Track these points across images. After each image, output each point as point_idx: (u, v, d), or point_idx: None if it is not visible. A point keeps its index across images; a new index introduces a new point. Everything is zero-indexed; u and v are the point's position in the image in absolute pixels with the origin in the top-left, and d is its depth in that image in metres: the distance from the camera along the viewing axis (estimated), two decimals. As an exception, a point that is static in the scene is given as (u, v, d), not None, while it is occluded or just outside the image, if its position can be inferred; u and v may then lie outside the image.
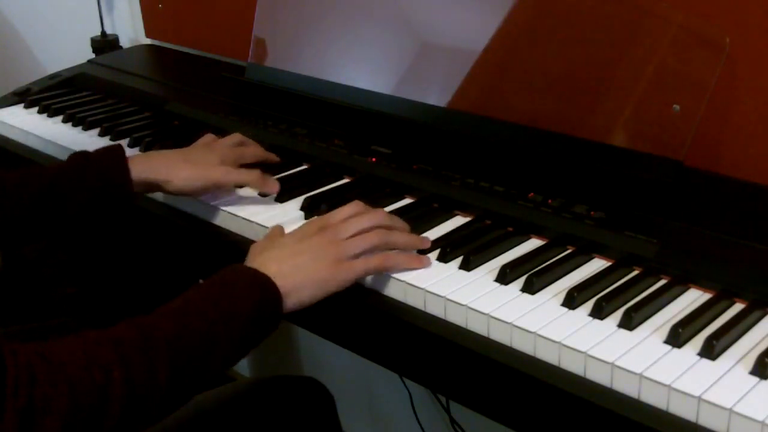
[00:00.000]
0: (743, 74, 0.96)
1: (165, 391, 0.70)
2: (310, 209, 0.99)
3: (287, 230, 0.91)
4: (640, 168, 0.92)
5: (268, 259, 0.82)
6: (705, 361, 0.69)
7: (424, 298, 0.82)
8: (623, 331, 0.74)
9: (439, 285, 0.82)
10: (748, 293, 0.77)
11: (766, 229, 0.84)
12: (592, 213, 0.89)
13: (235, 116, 1.27)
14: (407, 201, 1.02)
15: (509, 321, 0.75)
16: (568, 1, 1.00)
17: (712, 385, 0.66)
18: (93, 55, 1.80)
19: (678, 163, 0.90)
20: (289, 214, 0.99)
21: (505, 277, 0.82)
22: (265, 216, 0.99)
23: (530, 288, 0.80)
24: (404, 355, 0.85)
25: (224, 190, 1.03)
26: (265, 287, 0.79)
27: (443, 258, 0.87)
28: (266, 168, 1.10)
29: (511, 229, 0.92)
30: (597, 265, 0.85)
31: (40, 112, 1.44)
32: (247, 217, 0.99)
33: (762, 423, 0.62)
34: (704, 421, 0.65)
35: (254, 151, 1.10)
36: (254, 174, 1.01)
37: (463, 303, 0.78)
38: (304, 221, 0.97)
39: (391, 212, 0.94)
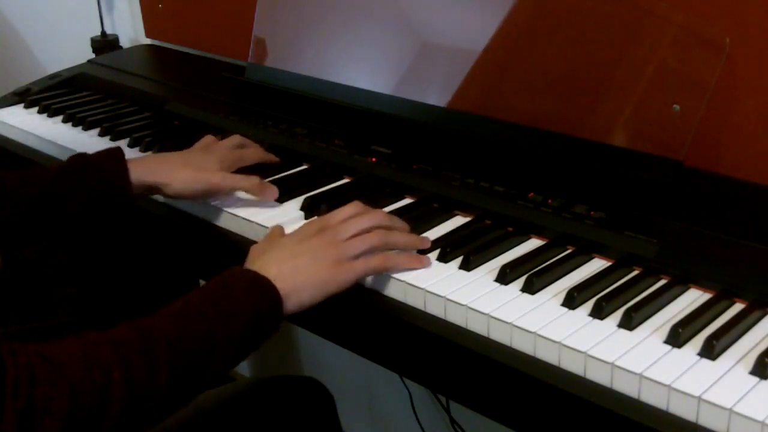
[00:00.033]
0: (743, 74, 0.96)
1: (165, 392, 0.70)
2: (310, 209, 0.99)
3: (287, 230, 0.91)
4: (640, 168, 0.92)
5: (268, 261, 0.82)
6: (705, 361, 0.69)
7: (424, 298, 0.82)
8: (623, 331, 0.74)
9: (439, 285, 0.82)
10: (748, 293, 0.77)
11: (766, 229, 0.84)
12: (592, 213, 0.89)
13: (235, 116, 1.27)
14: (407, 201, 1.02)
15: (509, 321, 0.75)
16: (568, 1, 1.00)
17: (712, 385, 0.66)
18: (93, 55, 1.80)
19: (678, 163, 0.90)
20: (289, 214, 0.99)
21: (505, 277, 0.82)
22: (265, 216, 0.99)
23: (530, 288, 0.80)
24: (404, 355, 0.85)
25: (222, 195, 1.02)
26: (265, 290, 0.79)
27: (443, 258, 0.87)
28: (266, 168, 1.10)
29: (511, 229, 0.92)
30: (597, 265, 0.85)
31: (40, 112, 1.44)
32: (247, 217, 0.99)
33: (762, 423, 0.62)
34: (704, 421, 0.65)
35: (254, 153, 1.10)
36: (252, 180, 1.00)
37: (463, 303, 0.78)
38: (304, 221, 0.97)
39: (391, 212, 0.94)
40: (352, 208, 0.89)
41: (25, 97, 1.49)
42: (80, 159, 1.00)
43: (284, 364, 1.98)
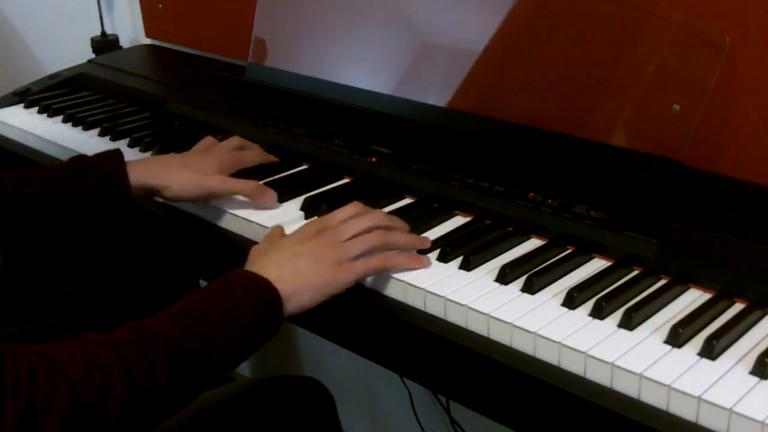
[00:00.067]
0: (743, 74, 0.96)
1: (165, 393, 0.70)
2: (310, 209, 0.99)
3: (287, 230, 0.91)
4: (640, 168, 0.92)
5: (269, 263, 0.82)
6: (705, 361, 0.69)
7: (424, 298, 0.82)
8: (623, 331, 0.74)
9: (439, 285, 0.82)
10: (748, 293, 0.77)
11: (766, 229, 0.84)
12: (592, 213, 0.89)
13: (235, 116, 1.27)
14: (407, 201, 1.02)
15: (509, 321, 0.75)
16: (568, 1, 1.00)
17: (712, 385, 0.66)
18: (93, 55, 1.80)
19: (678, 163, 0.90)
20: (289, 214, 0.99)
21: (505, 277, 0.82)
22: (265, 216, 0.99)
23: (530, 288, 0.80)
24: (404, 355, 0.85)
25: (221, 198, 1.02)
26: (265, 291, 0.79)
27: (443, 258, 0.87)
28: (266, 168, 1.10)
29: (511, 229, 0.92)
30: (597, 265, 0.85)
31: (40, 112, 1.44)
32: (247, 217, 0.99)
33: (762, 423, 0.62)
34: (704, 421, 0.65)
35: (253, 155, 1.10)
36: (251, 185, 1.00)
37: (463, 303, 0.78)
38: (304, 221, 0.97)
39: (391, 212, 0.94)
40: (352, 208, 0.89)
41: (25, 97, 1.49)
42: (79, 161, 1.00)
43: (284, 364, 1.98)
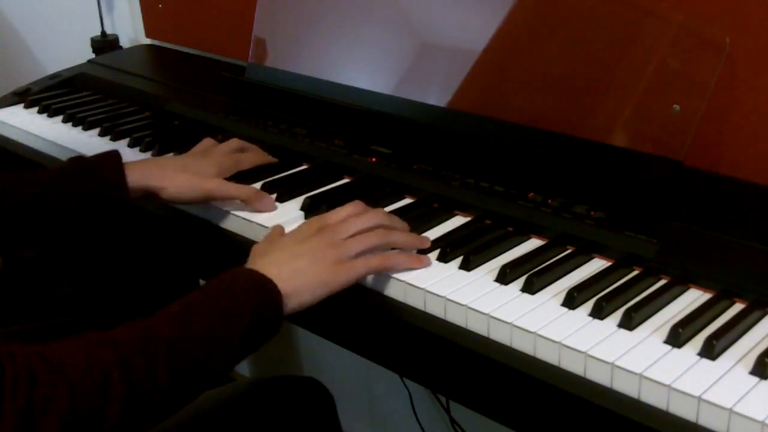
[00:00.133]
0: (743, 74, 0.96)
1: (164, 393, 0.70)
2: (310, 209, 0.99)
3: (287, 230, 0.91)
4: (640, 168, 0.92)
5: (269, 262, 0.82)
6: (705, 361, 0.69)
7: (424, 298, 0.81)
8: (623, 331, 0.74)
9: (439, 285, 0.82)
10: (748, 293, 0.77)
11: (766, 229, 0.84)
12: (592, 213, 0.89)
13: (235, 116, 1.27)
14: (407, 201, 1.02)
15: (509, 321, 0.75)
16: (568, 1, 1.00)
17: (712, 385, 0.66)
18: (93, 55, 1.80)
19: (678, 163, 0.90)
20: (289, 214, 0.99)
21: (505, 277, 0.82)
22: (265, 216, 0.99)
23: (530, 288, 0.80)
24: (404, 355, 0.85)
25: (219, 200, 1.02)
26: (265, 290, 0.79)
27: (443, 258, 0.87)
28: (266, 168, 1.10)
29: (511, 229, 0.92)
30: (597, 265, 0.85)
31: (40, 112, 1.44)
32: (247, 217, 0.99)
33: (762, 423, 0.62)
34: (704, 421, 0.64)
35: (252, 157, 1.10)
36: (249, 190, 1.00)
37: (463, 303, 0.78)
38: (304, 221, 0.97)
39: (391, 212, 0.94)
40: (352, 207, 0.90)
41: (25, 97, 1.49)
42: (78, 162, 1.00)
43: (284, 364, 1.98)
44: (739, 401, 0.64)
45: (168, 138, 1.25)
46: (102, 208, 0.98)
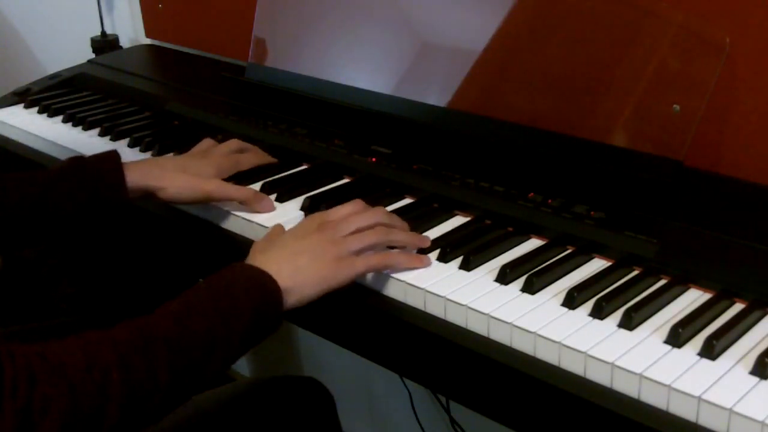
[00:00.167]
0: (743, 74, 0.96)
1: (164, 393, 0.70)
2: (310, 209, 0.99)
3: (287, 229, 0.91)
4: (640, 168, 0.92)
5: (269, 259, 0.82)
6: (705, 361, 0.69)
7: (424, 298, 0.81)
8: (623, 331, 0.74)
9: (439, 285, 0.82)
10: (748, 293, 0.77)
11: (766, 229, 0.84)
12: (592, 213, 0.89)
13: (235, 116, 1.27)
14: (407, 201, 1.02)
15: (509, 321, 0.75)
16: (568, 1, 1.00)
17: (712, 385, 0.66)
18: (93, 55, 1.80)
19: (678, 163, 0.90)
20: (289, 214, 0.99)
21: (505, 277, 0.82)
22: (265, 216, 0.99)
23: (530, 288, 0.80)
24: (404, 355, 0.85)
25: (217, 201, 1.02)
26: (265, 288, 0.79)
27: (443, 258, 0.87)
28: (266, 168, 1.10)
29: (511, 229, 0.92)
30: (597, 265, 0.85)
31: (40, 112, 1.44)
32: (247, 218, 0.99)
33: (762, 423, 0.62)
34: (704, 421, 0.64)
35: (251, 158, 1.10)
36: (248, 191, 1.00)
37: (463, 303, 0.78)
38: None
39: (391, 212, 0.94)
40: (353, 205, 0.90)
41: (25, 97, 1.49)
42: (77, 161, 1.00)
43: (284, 364, 1.98)
44: (739, 401, 0.64)
45: (168, 138, 1.25)
46: (101, 208, 0.98)
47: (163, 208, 1.07)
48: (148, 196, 1.01)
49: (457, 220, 0.96)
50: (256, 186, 1.05)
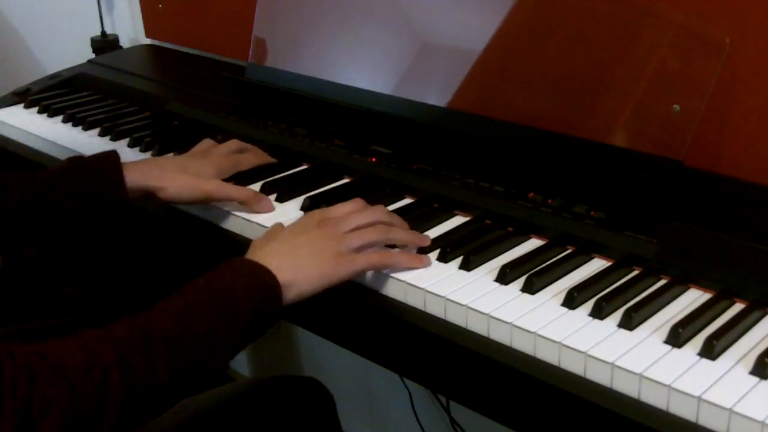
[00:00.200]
0: (743, 74, 0.96)
1: (164, 392, 0.70)
2: (310, 210, 0.99)
3: (287, 228, 0.91)
4: (640, 168, 0.92)
5: (269, 253, 0.82)
6: (705, 361, 0.69)
7: (424, 298, 0.81)
8: (623, 331, 0.74)
9: (439, 285, 0.82)
10: (748, 293, 0.77)
11: (766, 229, 0.84)
12: (592, 213, 0.89)
13: (235, 116, 1.27)
14: (407, 201, 1.02)
15: (509, 321, 0.75)
16: (568, 1, 1.00)
17: (712, 385, 0.66)
18: (93, 55, 1.80)
19: (678, 163, 0.90)
20: (289, 214, 0.99)
21: (505, 277, 0.82)
22: (265, 216, 0.99)
23: (530, 288, 0.80)
24: (404, 355, 0.85)
25: (217, 202, 1.02)
26: (265, 287, 0.79)
27: (443, 258, 0.87)
28: (265, 169, 1.10)
29: (511, 229, 0.92)
30: (597, 265, 0.85)
31: (40, 112, 1.44)
32: (247, 218, 0.99)
33: (762, 423, 0.62)
34: (704, 421, 0.64)
35: (251, 158, 1.10)
36: (247, 192, 1.00)
37: (463, 303, 0.78)
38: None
39: (391, 212, 0.94)
40: (353, 203, 0.90)
41: (25, 97, 1.49)
42: (76, 162, 1.00)
43: (284, 364, 1.98)
44: (739, 401, 0.64)
45: (168, 138, 1.25)
46: (100, 208, 0.98)
47: (163, 208, 1.07)
48: (148, 196, 1.01)
49: (457, 220, 0.96)
50: (256, 186, 1.05)
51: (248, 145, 1.13)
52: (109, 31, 1.89)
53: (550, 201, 0.92)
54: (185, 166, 1.02)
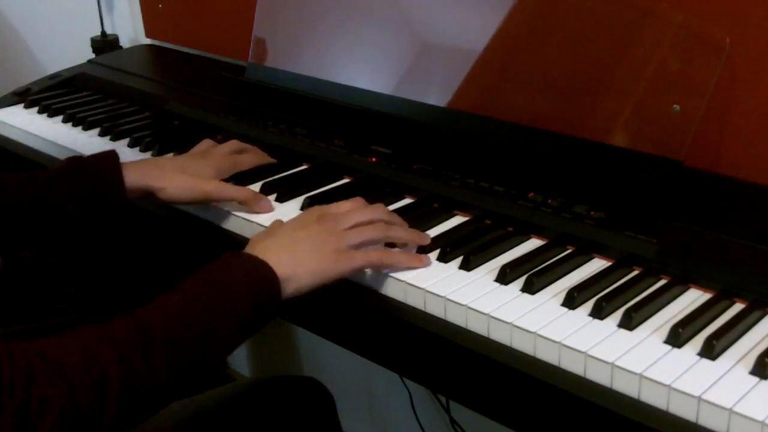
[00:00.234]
0: (743, 74, 0.96)
1: (162, 390, 0.71)
2: (310, 209, 0.99)
3: (287, 229, 0.91)
4: (640, 168, 0.92)
5: (268, 248, 0.82)
6: (705, 361, 0.69)
7: (424, 298, 0.81)
8: (623, 331, 0.74)
9: (439, 285, 0.82)
10: (748, 293, 0.77)
11: (766, 229, 0.84)
12: (592, 213, 0.89)
13: (234, 116, 1.27)
14: (407, 201, 1.02)
15: (509, 321, 0.75)
16: (568, 1, 1.00)
17: (712, 385, 0.66)
18: (93, 55, 1.80)
19: (678, 163, 0.90)
20: (289, 215, 0.99)
21: (505, 277, 0.82)
22: (265, 216, 0.99)
23: (530, 288, 0.80)
24: (404, 355, 0.85)
25: (216, 202, 1.02)
26: (264, 282, 0.79)
27: (443, 258, 0.87)
28: (265, 169, 1.10)
29: (511, 229, 0.92)
30: (597, 265, 0.85)
31: (40, 112, 1.44)
32: (247, 218, 0.99)
33: (762, 423, 0.62)
34: (704, 421, 0.64)
35: (250, 158, 1.10)
36: (247, 192, 1.00)
37: (463, 303, 0.78)
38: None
39: (391, 211, 0.94)
40: (353, 201, 0.90)
41: (25, 97, 1.49)
42: (75, 161, 1.00)
43: (284, 364, 1.98)
44: (739, 401, 0.64)
45: (168, 138, 1.25)
46: (100, 208, 0.98)
47: (163, 208, 1.07)
48: (147, 196, 1.01)
49: (457, 220, 0.96)
50: (256, 186, 1.05)
51: (248, 146, 1.13)
52: (109, 31, 1.89)
53: (550, 201, 0.92)
54: (184, 167, 1.02)
